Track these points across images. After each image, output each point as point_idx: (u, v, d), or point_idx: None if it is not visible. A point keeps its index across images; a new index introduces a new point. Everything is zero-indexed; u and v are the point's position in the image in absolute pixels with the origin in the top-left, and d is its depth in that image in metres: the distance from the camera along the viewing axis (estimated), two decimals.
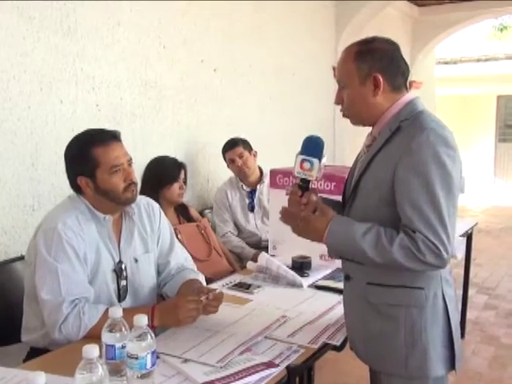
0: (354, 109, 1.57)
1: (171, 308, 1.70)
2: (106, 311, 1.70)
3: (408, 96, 1.55)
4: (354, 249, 1.46)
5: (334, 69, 5.10)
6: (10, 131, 2.44)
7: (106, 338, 1.30)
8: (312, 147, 1.60)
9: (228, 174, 3.52)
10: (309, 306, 1.99)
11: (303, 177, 1.57)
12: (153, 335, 1.28)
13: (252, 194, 3.39)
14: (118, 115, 2.97)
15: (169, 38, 3.25)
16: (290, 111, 4.52)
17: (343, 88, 1.56)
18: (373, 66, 1.50)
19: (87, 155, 1.78)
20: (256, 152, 3.44)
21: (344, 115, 1.60)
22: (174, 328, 1.71)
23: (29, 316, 1.86)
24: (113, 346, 1.28)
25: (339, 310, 1.92)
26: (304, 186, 1.59)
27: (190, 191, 3.45)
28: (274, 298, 2.09)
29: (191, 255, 2.63)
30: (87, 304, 1.70)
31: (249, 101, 4.02)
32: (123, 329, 1.31)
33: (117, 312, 1.31)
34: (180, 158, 3.05)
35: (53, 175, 2.57)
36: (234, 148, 3.34)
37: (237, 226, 3.37)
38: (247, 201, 3.38)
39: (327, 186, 2.40)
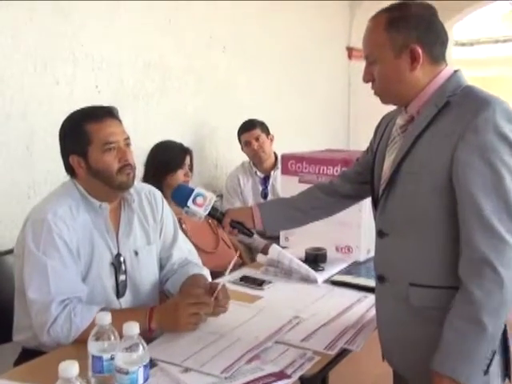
0: (387, 86, 1.36)
1: (171, 312, 1.53)
2: (103, 310, 1.54)
3: (449, 69, 1.34)
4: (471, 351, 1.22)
5: (348, 49, 4.88)
6: (1, 114, 2.27)
7: (93, 347, 1.12)
8: (181, 192, 1.69)
9: (239, 159, 3.35)
10: (324, 305, 1.80)
11: (210, 210, 1.66)
12: (145, 346, 1.11)
13: (266, 180, 3.21)
14: (120, 97, 2.78)
15: (174, 17, 3.04)
16: (303, 94, 4.30)
17: (373, 63, 1.35)
18: (409, 36, 1.29)
19: (79, 131, 1.61)
20: (273, 136, 3.26)
21: (375, 93, 1.40)
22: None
23: (19, 314, 1.70)
24: (100, 357, 1.11)
25: (359, 309, 1.75)
26: (217, 214, 1.68)
27: (197, 178, 3.26)
28: (286, 295, 1.91)
29: (197, 247, 2.47)
30: (79, 304, 1.53)
31: (260, 83, 3.81)
32: (112, 337, 1.14)
33: (105, 318, 1.14)
34: (186, 143, 2.86)
35: (49, 161, 2.40)
36: (251, 130, 3.17)
37: None
38: (260, 187, 3.20)
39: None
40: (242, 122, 3.26)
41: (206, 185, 3.44)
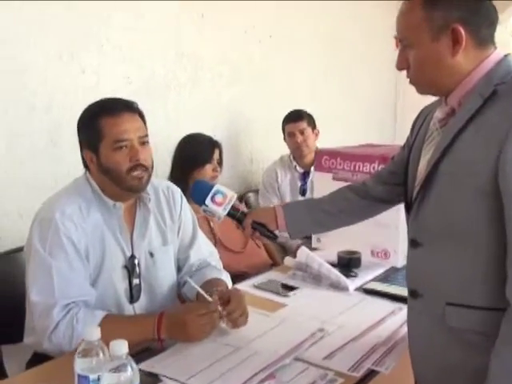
0: (424, 73, 1.17)
1: (180, 322, 1.41)
2: (107, 318, 1.44)
3: (498, 52, 1.15)
4: None
5: (396, 38, 4.61)
6: (25, 105, 2.21)
7: (79, 365, 1.01)
8: (199, 189, 1.56)
9: (275, 153, 3.20)
10: (354, 317, 1.63)
11: (230, 209, 1.52)
12: (134, 366, 0.98)
13: (305, 176, 3.05)
14: (151, 88, 2.68)
15: (208, 5, 2.91)
16: (346, 88, 4.09)
17: (408, 47, 1.17)
18: (450, 15, 1.10)
19: (93, 126, 1.51)
20: (318, 131, 3.09)
21: (411, 82, 1.22)
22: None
23: (29, 316, 1.61)
24: (86, 377, 0.99)
25: (392, 323, 1.58)
26: (238, 215, 1.53)
27: (231, 172, 3.16)
28: (313, 303, 1.75)
29: (224, 246, 2.36)
30: (82, 309, 1.43)
31: (298, 75, 3.63)
32: (101, 354, 1.02)
33: (93, 333, 1.01)
34: (220, 136, 2.74)
35: (73, 153, 2.25)
36: (297, 121, 3.01)
37: None
38: (299, 183, 3.05)
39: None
40: (285, 113, 3.10)
41: (240, 179, 3.32)
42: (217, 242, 2.33)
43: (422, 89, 1.23)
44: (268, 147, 3.37)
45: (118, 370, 0.95)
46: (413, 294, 1.26)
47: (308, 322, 1.57)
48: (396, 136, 4.80)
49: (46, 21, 2.21)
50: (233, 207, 1.53)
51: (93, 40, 2.41)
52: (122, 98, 1.60)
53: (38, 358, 1.51)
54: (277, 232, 1.57)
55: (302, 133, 3.00)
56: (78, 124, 1.58)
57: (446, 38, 1.12)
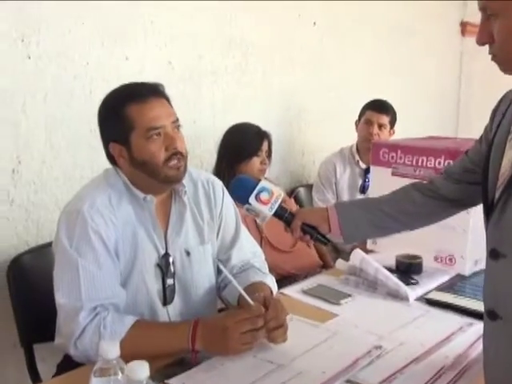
0: None
1: (218, 332, 1.24)
2: (138, 324, 1.30)
3: None
4: None
5: (462, 24, 4.30)
6: (65, 91, 2.09)
7: None
8: (241, 185, 1.41)
9: (329, 146, 3.00)
10: (416, 332, 1.43)
11: (277, 208, 1.35)
12: None
13: (367, 172, 2.81)
14: (196, 75, 2.54)
15: None
16: (407, 76, 3.82)
17: (493, 17, 0.97)
18: None
19: (119, 114, 1.37)
20: (394, 132, 2.87)
21: (494, 59, 1.01)
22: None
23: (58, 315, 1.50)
24: None
25: (461, 343, 1.37)
26: (286, 215, 1.37)
27: (280, 165, 2.98)
28: (368, 314, 1.55)
29: (271, 245, 2.19)
30: (111, 314, 1.29)
31: (355, 63, 3.40)
32: (119, 374, 0.87)
33: (110, 351, 0.87)
34: (270, 126, 2.56)
35: None
36: (381, 113, 2.80)
37: None
38: (359, 180, 2.83)
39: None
40: (340, 103, 2.98)
41: (290, 173, 3.15)
42: (263, 240, 2.18)
43: (509, 66, 1.01)
44: (321, 139, 3.17)
45: None
46: (490, 314, 1.05)
47: (363, 336, 1.38)
48: (458, 130, 4.50)
49: (87, 4, 2.09)
50: (280, 207, 1.36)
51: (137, 25, 2.28)
52: (146, 81, 1.45)
53: (69, 361, 1.39)
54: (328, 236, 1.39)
55: (380, 126, 2.78)
56: (100, 115, 1.44)
57: None
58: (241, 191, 1.39)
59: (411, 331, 1.44)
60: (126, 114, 1.35)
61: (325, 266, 2.34)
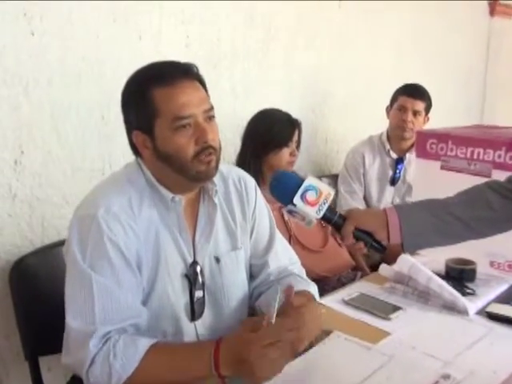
0: None
1: (241, 360, 1.01)
2: (154, 349, 1.09)
3: None
4: None
5: (490, 4, 4.06)
6: (72, 74, 1.88)
7: None
8: (284, 182, 1.19)
9: (354, 134, 2.79)
10: (485, 357, 1.22)
11: (325, 211, 1.15)
12: None
13: (398, 163, 2.60)
14: (215, 56, 2.32)
15: None
16: (434, 57, 3.60)
17: None
18: None
19: (143, 99, 1.16)
20: (429, 119, 2.63)
21: None
22: None
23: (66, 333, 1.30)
24: None
25: None
26: (335, 219, 1.18)
27: (302, 154, 2.74)
28: (424, 332, 1.34)
29: (301, 245, 1.99)
30: (122, 338, 1.08)
31: (381, 44, 3.18)
32: None
33: None
34: (291, 112, 2.35)
35: None
36: (416, 99, 2.56)
37: (366, 201, 2.62)
38: (390, 171, 2.62)
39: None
40: (366, 87, 2.77)
41: (313, 163, 2.94)
42: (292, 239, 1.97)
43: None
44: (346, 126, 2.97)
45: None
46: None
47: (424, 362, 1.18)
48: (484, 117, 4.28)
49: None
50: (329, 209, 1.15)
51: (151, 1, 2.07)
52: (177, 61, 1.24)
53: (79, 382, 1.21)
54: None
55: (414, 113, 2.54)
56: (123, 98, 1.24)
57: None
58: (283, 189, 1.18)
59: (479, 355, 1.23)
60: (151, 98, 1.15)
61: (356, 267, 2.13)
